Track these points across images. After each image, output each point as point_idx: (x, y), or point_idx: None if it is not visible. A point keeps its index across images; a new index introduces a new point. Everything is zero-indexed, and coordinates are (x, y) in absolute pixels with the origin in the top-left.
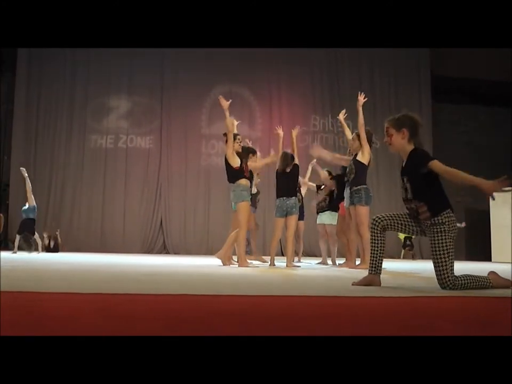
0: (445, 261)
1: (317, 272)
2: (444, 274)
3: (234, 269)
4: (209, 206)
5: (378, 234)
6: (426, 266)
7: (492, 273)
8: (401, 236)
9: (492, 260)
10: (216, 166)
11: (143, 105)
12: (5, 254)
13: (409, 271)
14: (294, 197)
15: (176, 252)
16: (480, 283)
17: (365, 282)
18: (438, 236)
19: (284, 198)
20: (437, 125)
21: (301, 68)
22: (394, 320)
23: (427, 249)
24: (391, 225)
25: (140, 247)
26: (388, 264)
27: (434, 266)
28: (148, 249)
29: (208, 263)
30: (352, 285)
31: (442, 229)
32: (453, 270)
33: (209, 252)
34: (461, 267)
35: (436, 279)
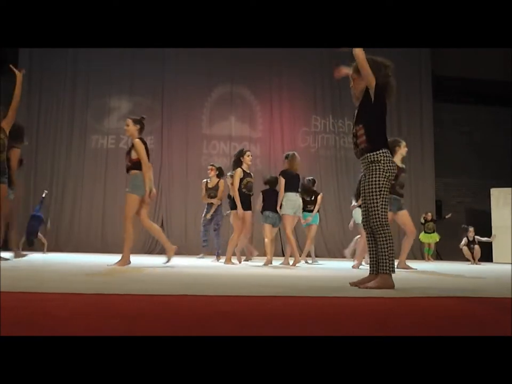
0: (376, 199)
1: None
2: (374, 212)
3: (234, 269)
4: None
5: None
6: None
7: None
8: (424, 240)
9: (493, 261)
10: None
11: (144, 106)
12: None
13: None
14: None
15: (177, 253)
16: (389, 251)
17: (379, 284)
18: (372, 174)
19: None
20: (438, 125)
21: (301, 68)
22: (394, 320)
23: (445, 250)
24: (387, 208)
25: (140, 248)
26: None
27: (367, 205)
28: (149, 250)
29: (209, 264)
30: (351, 284)
31: (377, 167)
32: (386, 211)
33: (210, 252)
34: (462, 267)
35: (436, 279)
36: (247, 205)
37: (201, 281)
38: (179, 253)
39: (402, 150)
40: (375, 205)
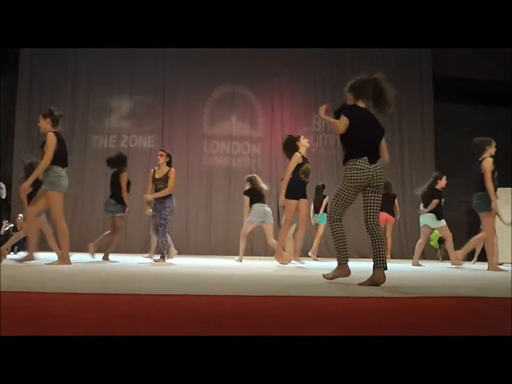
0: (334, 201)
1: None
2: (330, 210)
3: (234, 269)
4: (211, 206)
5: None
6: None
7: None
8: (434, 240)
9: (498, 261)
10: (218, 166)
11: (145, 105)
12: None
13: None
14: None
15: (178, 252)
16: (342, 246)
17: (336, 274)
18: (341, 181)
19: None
20: (439, 125)
21: (302, 68)
22: (395, 320)
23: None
24: (343, 212)
25: (141, 247)
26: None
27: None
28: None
29: (209, 264)
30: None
31: (344, 176)
32: (339, 212)
33: (211, 252)
34: (462, 267)
35: (437, 280)
36: (302, 193)
37: (201, 281)
38: (180, 252)
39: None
40: (332, 205)
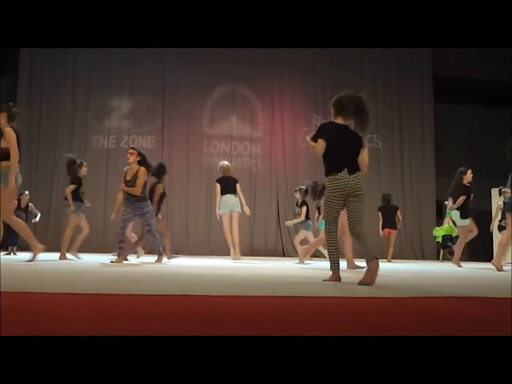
0: (325, 213)
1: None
2: (324, 221)
3: (234, 269)
4: (211, 206)
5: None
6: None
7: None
8: (438, 235)
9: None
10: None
11: (145, 105)
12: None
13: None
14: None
15: (178, 253)
16: (333, 255)
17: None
18: (325, 194)
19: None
20: (439, 125)
21: (302, 68)
22: (395, 320)
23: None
24: (334, 220)
25: (141, 248)
26: (396, 266)
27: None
28: (150, 250)
29: (209, 264)
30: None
31: (326, 188)
32: (333, 222)
33: (211, 252)
34: (462, 268)
35: (437, 280)
36: None
37: (201, 281)
38: (179, 252)
39: None
40: (325, 217)
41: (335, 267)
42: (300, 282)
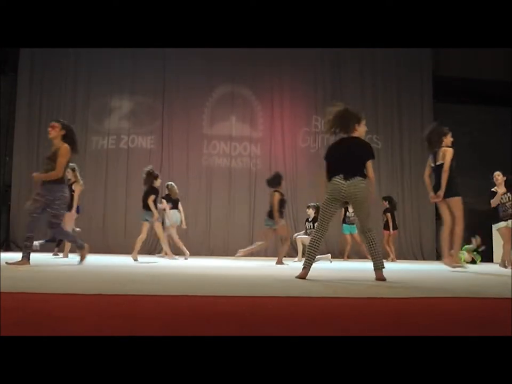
0: (319, 214)
1: None
2: (317, 221)
3: (234, 269)
4: (211, 206)
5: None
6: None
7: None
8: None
9: (494, 261)
10: (217, 167)
11: (145, 106)
12: (11, 255)
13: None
14: None
15: (178, 253)
16: (311, 252)
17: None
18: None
19: None
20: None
21: (302, 68)
22: (395, 320)
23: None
24: (323, 221)
25: (141, 248)
26: (397, 266)
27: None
28: (150, 250)
29: (209, 264)
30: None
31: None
32: (321, 222)
33: (210, 252)
34: (466, 268)
35: (437, 280)
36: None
37: (202, 281)
38: (178, 252)
39: None
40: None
41: (307, 264)
42: (300, 282)
